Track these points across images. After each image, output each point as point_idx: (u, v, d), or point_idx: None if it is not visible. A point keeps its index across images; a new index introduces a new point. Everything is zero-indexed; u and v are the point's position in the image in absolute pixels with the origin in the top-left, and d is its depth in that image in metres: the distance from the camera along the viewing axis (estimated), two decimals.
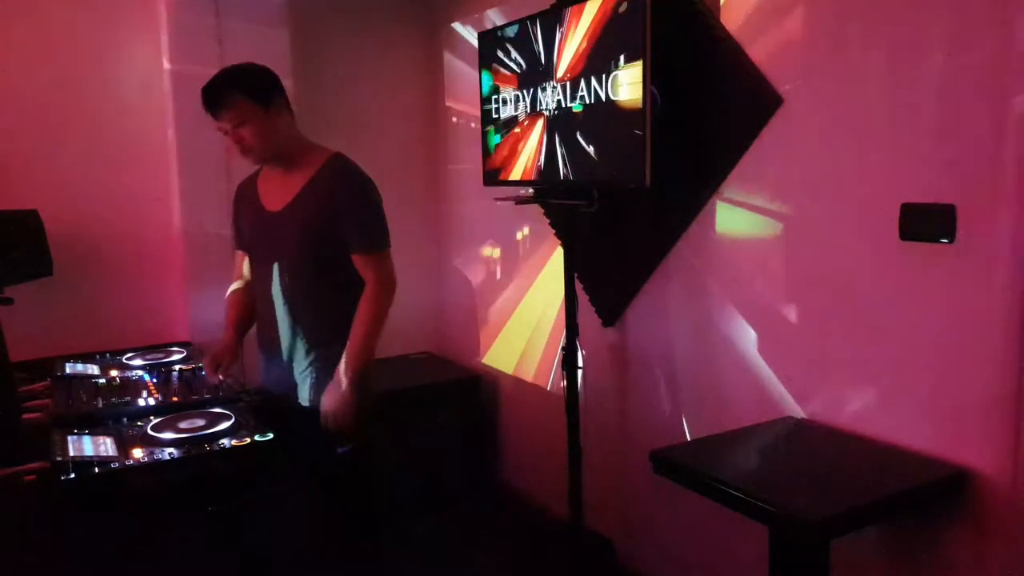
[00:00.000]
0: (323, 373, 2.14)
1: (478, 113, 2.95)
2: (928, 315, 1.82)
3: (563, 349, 2.69)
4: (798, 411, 2.15)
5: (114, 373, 2.43)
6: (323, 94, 3.52)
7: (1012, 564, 1.71)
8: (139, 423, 2.00)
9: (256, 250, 2.25)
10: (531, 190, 2.94)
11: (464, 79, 3.60)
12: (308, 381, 2.16)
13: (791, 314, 2.17)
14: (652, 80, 2.15)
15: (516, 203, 2.83)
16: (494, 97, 2.86)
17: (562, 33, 2.44)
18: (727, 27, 2.25)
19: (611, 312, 2.84)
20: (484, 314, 3.72)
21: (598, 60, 2.30)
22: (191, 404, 2.17)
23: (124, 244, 3.23)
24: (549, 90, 2.53)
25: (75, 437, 1.86)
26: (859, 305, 1.98)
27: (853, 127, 1.96)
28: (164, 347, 2.79)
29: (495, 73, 2.84)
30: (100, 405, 2.12)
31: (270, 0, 3.31)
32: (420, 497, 3.38)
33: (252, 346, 2.31)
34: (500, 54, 2.79)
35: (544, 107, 2.57)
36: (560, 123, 2.51)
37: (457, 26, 3.67)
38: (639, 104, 2.16)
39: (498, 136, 2.87)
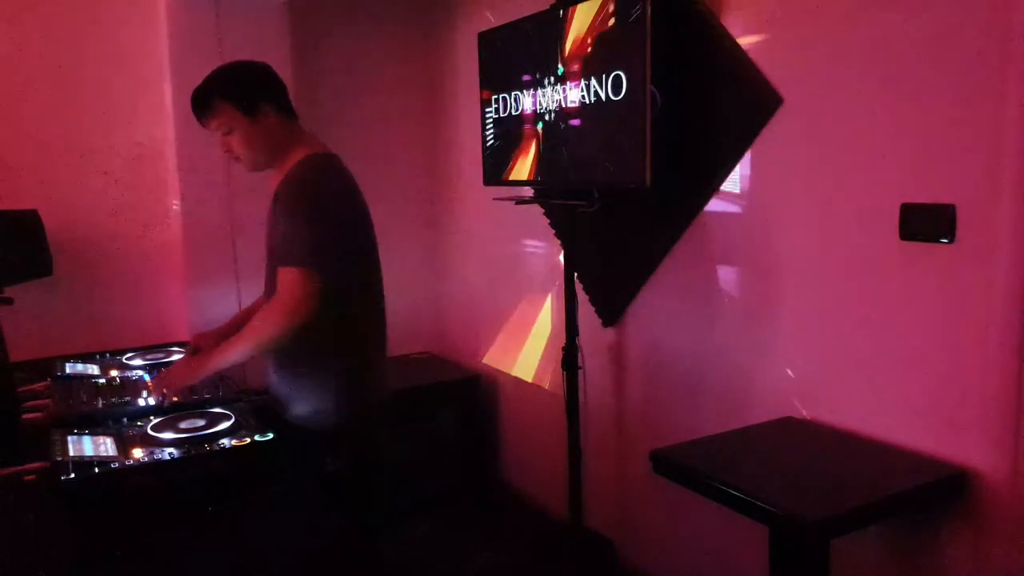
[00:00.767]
0: (295, 392, 2.05)
1: (478, 113, 2.95)
2: (928, 315, 1.82)
3: (563, 349, 2.69)
4: (798, 411, 2.15)
5: (114, 373, 2.42)
6: (323, 94, 3.53)
7: (1012, 564, 1.71)
8: (139, 423, 2.00)
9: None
10: (531, 190, 2.94)
11: (464, 79, 3.60)
12: (280, 399, 2.10)
13: (791, 314, 2.17)
14: (652, 80, 2.15)
15: (516, 203, 2.83)
16: (494, 97, 2.86)
17: (562, 33, 2.44)
18: (727, 27, 2.25)
19: (611, 312, 2.83)
20: (484, 314, 3.72)
21: (598, 60, 2.30)
22: (191, 404, 2.17)
23: (124, 244, 3.23)
24: (549, 90, 2.53)
25: (75, 437, 1.85)
26: (859, 305, 1.98)
27: (853, 127, 1.96)
28: (164, 347, 2.78)
29: (495, 73, 2.84)
30: (100, 405, 2.12)
31: (271, 0, 3.31)
32: (420, 497, 3.38)
33: None
34: (500, 54, 2.79)
35: (544, 107, 2.57)
36: (560, 123, 2.51)
37: (457, 26, 3.68)
38: (639, 104, 2.16)
39: (498, 136, 2.87)
